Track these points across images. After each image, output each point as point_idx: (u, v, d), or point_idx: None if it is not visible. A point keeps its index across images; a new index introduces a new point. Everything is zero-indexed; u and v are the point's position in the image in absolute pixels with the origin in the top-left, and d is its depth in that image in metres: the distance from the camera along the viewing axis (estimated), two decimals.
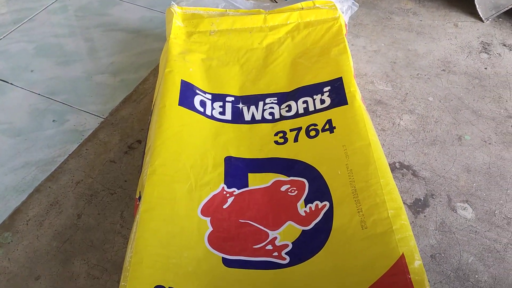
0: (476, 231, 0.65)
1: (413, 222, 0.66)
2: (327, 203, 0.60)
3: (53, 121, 0.82)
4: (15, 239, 0.65)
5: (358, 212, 0.57)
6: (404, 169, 0.73)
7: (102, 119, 0.82)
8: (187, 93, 0.71)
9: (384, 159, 0.62)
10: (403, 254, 0.51)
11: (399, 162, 0.74)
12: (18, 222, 0.66)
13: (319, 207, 0.60)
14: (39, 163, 0.75)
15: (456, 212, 0.68)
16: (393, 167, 0.73)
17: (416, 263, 0.51)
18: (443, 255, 0.63)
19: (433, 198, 0.69)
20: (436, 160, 0.75)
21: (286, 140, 0.68)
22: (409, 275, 0.49)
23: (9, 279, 0.60)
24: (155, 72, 0.92)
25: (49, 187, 0.71)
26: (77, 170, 0.73)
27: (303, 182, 0.63)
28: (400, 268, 0.50)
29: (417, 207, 0.68)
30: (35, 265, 0.62)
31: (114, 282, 0.60)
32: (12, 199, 0.70)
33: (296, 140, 0.68)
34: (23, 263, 0.62)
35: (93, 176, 0.73)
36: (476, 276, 0.61)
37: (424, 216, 0.67)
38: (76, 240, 0.65)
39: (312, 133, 0.68)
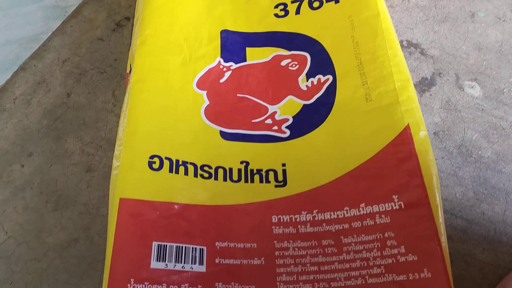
0: (482, 109, 0.63)
1: (418, 100, 0.63)
2: (330, 77, 0.56)
3: None
4: (3, 117, 0.62)
5: (363, 84, 0.54)
6: (412, 47, 0.69)
7: None
8: None
9: (393, 30, 0.57)
10: (408, 124, 0.49)
11: (407, 40, 0.70)
12: (5, 100, 0.63)
13: (322, 81, 0.56)
14: (21, 41, 0.69)
15: (463, 90, 0.65)
16: (400, 46, 0.68)
17: (421, 134, 0.49)
18: (446, 132, 0.61)
19: (440, 76, 0.66)
20: (446, 38, 0.70)
21: (287, 13, 0.63)
22: (413, 145, 0.48)
23: (0, 155, 0.59)
24: None
25: (34, 65, 0.67)
26: (62, 48, 0.69)
27: (305, 56, 0.59)
28: (404, 138, 0.48)
29: (423, 85, 0.65)
30: (27, 142, 0.60)
31: (109, 159, 0.59)
32: None
33: (298, 12, 0.62)
34: (13, 140, 0.60)
35: (80, 55, 0.68)
36: (479, 152, 0.59)
37: (430, 94, 0.64)
38: (67, 118, 0.62)
39: (316, 4, 0.62)
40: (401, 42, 0.69)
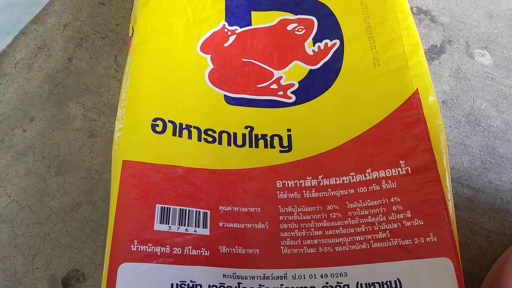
0: (492, 78, 0.62)
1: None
2: (338, 41, 0.55)
3: None
4: (4, 81, 0.61)
5: (371, 49, 0.52)
6: (422, 14, 0.67)
7: None
8: None
9: None
10: (417, 89, 0.48)
11: (417, 7, 0.68)
12: (6, 65, 0.62)
13: (329, 45, 0.55)
14: (21, 5, 0.68)
15: (473, 58, 0.63)
16: None
17: (430, 99, 0.47)
18: (455, 101, 0.60)
19: (450, 44, 0.64)
20: (457, 5, 0.68)
21: None
22: (422, 110, 0.47)
23: (2, 120, 0.58)
24: None
25: (35, 29, 0.66)
26: (63, 13, 0.67)
27: (312, 20, 0.57)
28: (412, 103, 0.47)
29: (432, 53, 0.64)
30: (28, 107, 0.59)
31: (111, 124, 0.58)
32: None
33: None
34: (15, 105, 0.59)
35: (81, 19, 0.66)
36: (488, 121, 0.58)
37: (439, 62, 0.63)
38: (69, 83, 0.61)
39: None
40: (410, 8, 0.67)
